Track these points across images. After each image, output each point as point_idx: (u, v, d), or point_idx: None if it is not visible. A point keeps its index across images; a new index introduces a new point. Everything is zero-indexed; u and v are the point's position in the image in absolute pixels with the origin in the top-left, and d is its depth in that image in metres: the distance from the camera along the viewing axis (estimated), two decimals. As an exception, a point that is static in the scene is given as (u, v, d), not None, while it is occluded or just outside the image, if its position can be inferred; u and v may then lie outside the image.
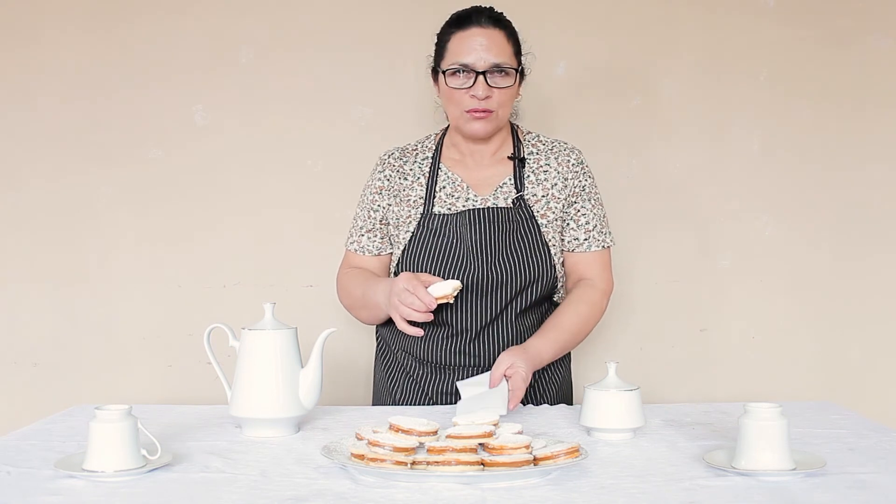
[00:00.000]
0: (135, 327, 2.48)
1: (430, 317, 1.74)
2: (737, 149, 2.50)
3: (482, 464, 1.31)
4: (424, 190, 1.96)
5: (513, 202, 1.93)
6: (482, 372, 1.90)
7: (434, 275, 1.89)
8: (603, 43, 2.48)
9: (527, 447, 1.34)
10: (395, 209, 1.98)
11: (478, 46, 1.85)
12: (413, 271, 1.91)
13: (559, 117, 2.46)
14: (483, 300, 1.91)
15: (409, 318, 1.74)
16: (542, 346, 1.86)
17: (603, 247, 1.99)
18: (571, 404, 2.05)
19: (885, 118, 2.50)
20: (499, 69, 1.86)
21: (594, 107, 2.48)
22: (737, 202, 2.50)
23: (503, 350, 1.87)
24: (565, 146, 2.01)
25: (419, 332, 1.77)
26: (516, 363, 1.75)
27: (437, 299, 1.72)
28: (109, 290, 2.48)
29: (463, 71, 1.86)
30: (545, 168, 1.97)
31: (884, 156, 2.51)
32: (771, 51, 2.48)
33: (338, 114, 2.47)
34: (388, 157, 2.03)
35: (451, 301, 1.76)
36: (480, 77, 1.85)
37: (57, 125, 2.47)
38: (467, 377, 1.92)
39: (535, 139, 2.02)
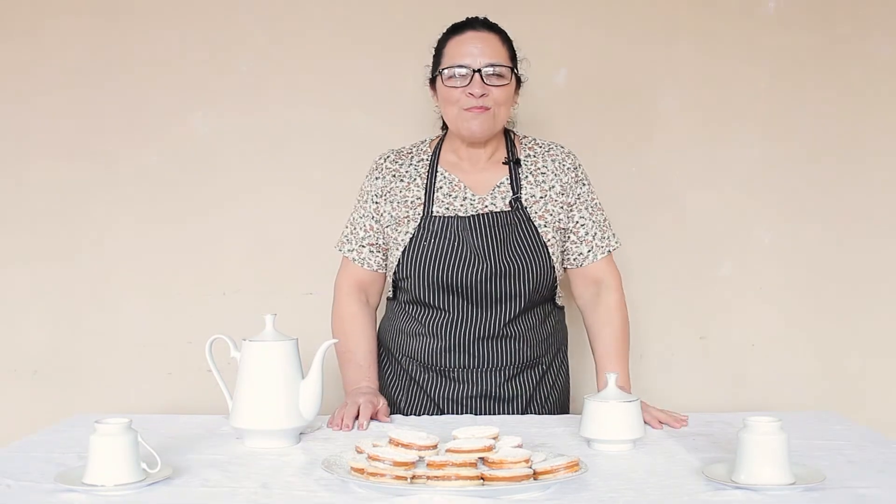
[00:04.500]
0: (134, 335, 2.48)
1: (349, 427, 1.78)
2: (736, 156, 2.49)
3: (482, 478, 1.31)
4: (423, 191, 1.99)
5: (510, 203, 1.96)
6: (482, 375, 1.96)
7: (438, 275, 1.92)
8: (603, 50, 2.48)
9: (526, 461, 1.34)
10: (392, 212, 1.99)
11: (473, 49, 1.91)
12: (416, 272, 1.94)
13: (559, 124, 2.46)
14: (486, 303, 1.94)
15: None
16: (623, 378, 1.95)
17: (608, 252, 2.03)
18: (569, 412, 2.07)
19: (886, 126, 2.49)
20: (494, 68, 1.90)
21: (594, 114, 2.48)
22: (736, 210, 2.50)
23: (504, 349, 1.95)
24: (561, 150, 2.05)
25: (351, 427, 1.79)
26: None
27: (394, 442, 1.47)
28: (109, 298, 2.48)
29: (460, 73, 1.91)
30: (542, 170, 2.01)
31: (884, 164, 2.50)
32: (771, 57, 2.48)
33: (337, 121, 2.47)
34: (384, 160, 2.05)
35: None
36: (477, 76, 1.89)
37: (56, 132, 2.47)
38: (466, 380, 1.96)
39: (532, 142, 2.06)
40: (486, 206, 1.96)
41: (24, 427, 1.99)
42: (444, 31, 1.98)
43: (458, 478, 1.30)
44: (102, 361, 2.48)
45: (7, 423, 2.44)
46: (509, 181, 1.98)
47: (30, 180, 2.48)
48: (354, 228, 2.06)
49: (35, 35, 2.46)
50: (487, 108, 1.90)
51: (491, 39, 1.92)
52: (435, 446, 1.41)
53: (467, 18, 1.96)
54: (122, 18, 2.46)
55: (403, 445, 1.39)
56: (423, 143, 2.09)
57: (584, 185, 2.03)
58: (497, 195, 1.97)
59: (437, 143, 2.06)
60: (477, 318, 1.94)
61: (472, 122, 1.92)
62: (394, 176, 2.02)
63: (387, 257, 2.04)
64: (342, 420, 1.77)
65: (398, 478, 1.31)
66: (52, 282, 2.48)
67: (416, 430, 1.46)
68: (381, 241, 2.03)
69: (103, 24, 2.46)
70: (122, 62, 2.46)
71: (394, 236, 1.99)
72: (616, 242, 2.05)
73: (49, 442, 1.65)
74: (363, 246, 2.04)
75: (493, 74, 1.90)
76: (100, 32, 2.46)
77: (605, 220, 2.05)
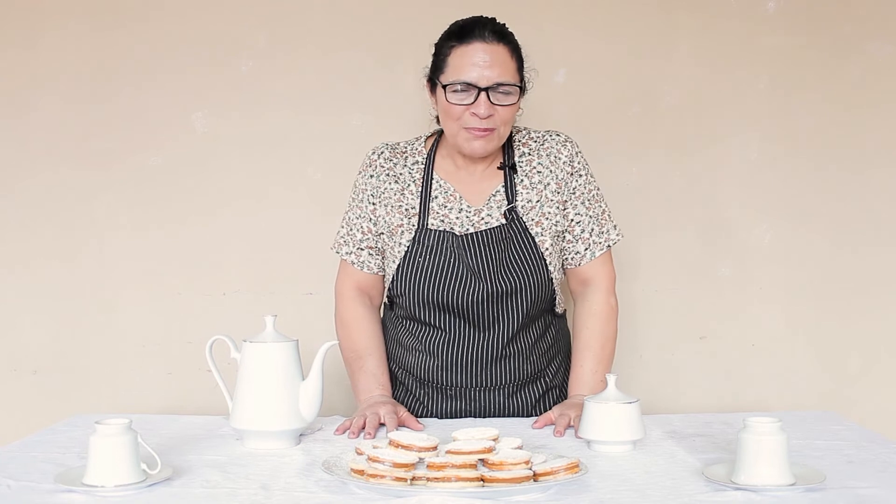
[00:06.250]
0: (134, 335, 2.48)
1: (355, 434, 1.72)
2: (736, 156, 2.49)
3: (482, 479, 1.31)
4: (417, 200, 1.94)
5: (505, 214, 1.91)
6: (482, 394, 1.93)
7: (434, 294, 1.89)
8: (603, 50, 2.48)
9: (526, 463, 1.34)
10: (386, 217, 1.96)
11: (481, 63, 1.79)
12: (411, 290, 1.90)
13: (558, 124, 2.44)
14: (483, 323, 1.90)
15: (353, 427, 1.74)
16: (583, 386, 1.90)
17: (607, 247, 1.98)
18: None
19: (886, 126, 2.50)
20: (502, 87, 1.81)
21: (594, 114, 2.48)
22: (737, 210, 2.50)
23: (505, 368, 1.92)
24: (557, 140, 1.97)
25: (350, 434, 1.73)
26: (566, 412, 1.78)
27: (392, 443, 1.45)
28: (109, 298, 2.48)
29: (464, 88, 1.81)
30: (538, 169, 1.95)
31: (884, 163, 2.50)
32: (771, 58, 2.48)
33: (338, 121, 2.47)
34: (378, 157, 1.99)
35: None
36: (483, 95, 1.79)
37: (56, 132, 2.47)
38: (465, 398, 1.94)
39: (527, 136, 1.99)
40: (482, 219, 1.91)
41: (24, 427, 1.99)
42: (449, 28, 1.87)
43: (458, 479, 1.30)
44: (102, 361, 2.48)
45: (7, 423, 2.44)
46: (505, 189, 1.93)
47: (30, 180, 2.48)
48: (351, 230, 2.01)
49: (36, 36, 2.45)
50: (492, 130, 1.83)
51: (499, 52, 1.80)
52: (435, 448, 1.41)
53: (475, 20, 1.85)
54: (122, 20, 2.45)
55: (403, 447, 1.39)
56: (417, 140, 2.02)
57: (580, 175, 1.96)
58: (493, 205, 1.92)
59: (433, 144, 2.00)
60: (475, 338, 1.91)
61: (475, 143, 1.85)
62: (388, 175, 1.96)
63: (384, 260, 2.01)
64: (359, 429, 1.72)
65: (398, 479, 1.31)
66: (53, 282, 2.48)
67: (415, 431, 1.46)
68: (379, 245, 1.99)
69: (103, 25, 2.45)
70: (122, 63, 2.46)
71: (390, 245, 1.95)
72: (617, 235, 1.99)
73: (49, 442, 1.65)
74: (361, 249, 1.99)
75: (500, 93, 1.80)
76: (100, 34, 2.45)
77: (603, 211, 1.98)
